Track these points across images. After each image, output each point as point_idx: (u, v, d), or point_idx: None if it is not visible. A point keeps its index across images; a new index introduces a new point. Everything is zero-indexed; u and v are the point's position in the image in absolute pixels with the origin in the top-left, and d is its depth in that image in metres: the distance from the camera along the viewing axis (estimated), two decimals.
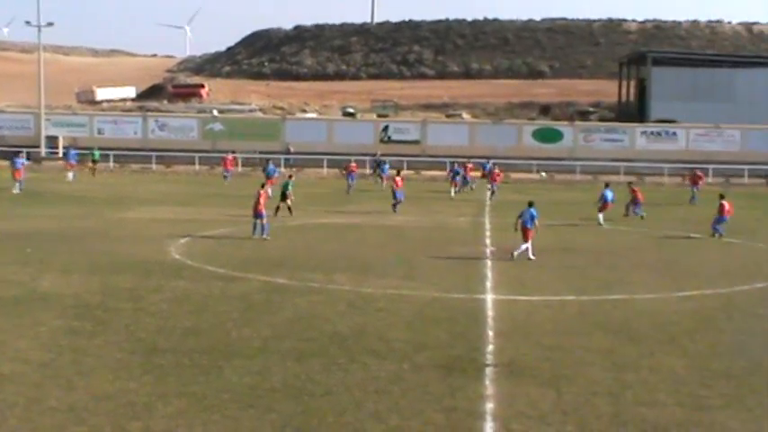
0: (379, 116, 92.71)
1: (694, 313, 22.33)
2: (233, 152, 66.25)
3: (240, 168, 69.38)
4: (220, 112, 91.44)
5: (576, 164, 69.11)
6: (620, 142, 74.50)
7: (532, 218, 30.33)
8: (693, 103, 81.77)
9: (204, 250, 30.83)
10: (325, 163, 68.97)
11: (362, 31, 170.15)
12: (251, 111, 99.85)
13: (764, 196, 59.67)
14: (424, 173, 69.93)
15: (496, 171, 55.16)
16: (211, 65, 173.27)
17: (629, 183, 48.47)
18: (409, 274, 27.09)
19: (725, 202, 36.12)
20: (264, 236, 33.09)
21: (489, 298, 23.69)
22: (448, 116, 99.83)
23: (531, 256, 29.87)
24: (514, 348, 18.43)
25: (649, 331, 20.23)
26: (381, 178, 55.75)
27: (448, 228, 39.06)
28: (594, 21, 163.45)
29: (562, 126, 78.92)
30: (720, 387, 16.17)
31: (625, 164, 69.46)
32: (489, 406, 14.88)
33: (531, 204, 30.86)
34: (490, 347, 18.51)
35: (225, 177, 60.62)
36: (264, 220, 33.45)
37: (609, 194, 40.89)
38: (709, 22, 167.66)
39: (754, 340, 19.63)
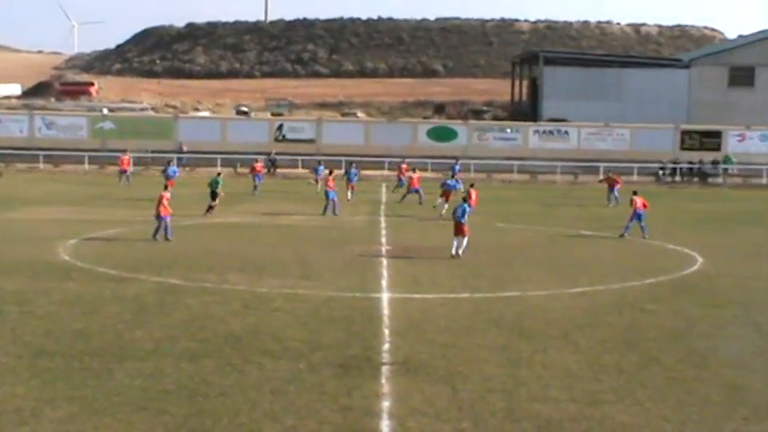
0: (274, 115, 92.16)
1: (586, 309, 22.69)
2: (125, 151, 64.89)
3: (132, 168, 68.10)
4: (111, 110, 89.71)
5: (470, 162, 69.74)
6: (514, 141, 75.45)
7: (464, 213, 30.91)
8: (584, 103, 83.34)
9: (95, 251, 30.15)
10: (219, 162, 68.15)
11: (256, 29, 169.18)
12: (142, 109, 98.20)
13: (654, 194, 60.92)
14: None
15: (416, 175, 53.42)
16: (101, 62, 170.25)
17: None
18: (305, 273, 26.94)
19: (636, 198, 36.54)
20: (169, 237, 32.46)
21: (385, 296, 23.70)
22: (343, 115, 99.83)
23: (455, 252, 30.23)
24: (410, 346, 18.46)
25: (542, 327, 20.48)
26: (316, 181, 53.81)
27: (344, 227, 39.00)
28: (487, 21, 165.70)
29: (456, 125, 79.54)
30: (611, 381, 16.44)
31: (518, 162, 70.37)
32: (385, 404, 14.86)
33: (465, 200, 31.72)
34: (386, 346, 18.51)
35: (121, 178, 58.61)
36: (168, 222, 32.78)
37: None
38: (599, 22, 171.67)
39: (644, 335, 20.02)
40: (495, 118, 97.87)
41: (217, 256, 29.48)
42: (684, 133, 75.35)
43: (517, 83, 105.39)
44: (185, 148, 72.21)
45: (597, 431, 13.98)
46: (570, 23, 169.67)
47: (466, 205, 31.45)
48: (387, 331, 19.76)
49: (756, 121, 78.88)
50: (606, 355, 18.26)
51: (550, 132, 75.79)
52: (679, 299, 24.23)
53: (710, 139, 74.89)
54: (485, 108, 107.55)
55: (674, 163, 71.05)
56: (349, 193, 49.35)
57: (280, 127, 77.62)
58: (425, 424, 14.01)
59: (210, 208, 40.45)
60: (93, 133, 76.63)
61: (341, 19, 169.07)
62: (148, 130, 76.68)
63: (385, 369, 16.86)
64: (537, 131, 76.02)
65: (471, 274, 27.34)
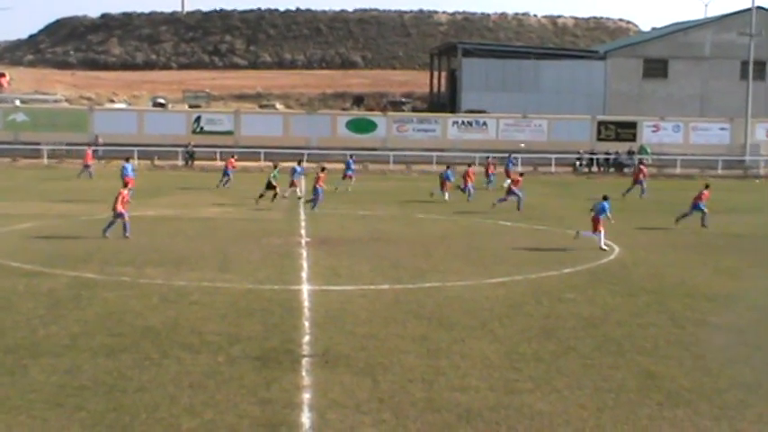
0: (191, 107, 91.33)
1: (504, 299, 22.87)
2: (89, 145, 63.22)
3: (46, 161, 66.96)
4: (23, 102, 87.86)
5: (389, 154, 69.87)
6: (433, 132, 75.79)
7: (603, 210, 32.09)
8: (503, 94, 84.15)
9: (8, 246, 29.49)
10: (136, 154, 67.23)
11: (172, 20, 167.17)
12: (56, 101, 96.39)
13: (571, 184, 61.96)
14: (237, 164, 68.99)
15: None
16: (11, 53, 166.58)
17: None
18: (224, 266, 26.71)
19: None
20: (127, 234, 31.64)
21: (305, 288, 23.61)
22: (261, 107, 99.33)
23: (604, 246, 31.03)
24: (330, 338, 18.41)
25: (462, 318, 20.59)
26: (293, 183, 49.90)
27: (263, 219, 38.76)
28: (406, 12, 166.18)
29: (375, 116, 79.67)
30: (530, 370, 16.60)
31: (437, 153, 70.72)
32: (305, 396, 14.79)
33: (605, 198, 32.87)
34: (306, 338, 18.43)
35: (82, 171, 55.97)
36: (126, 219, 31.99)
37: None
38: (516, 14, 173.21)
39: (562, 324, 20.25)
40: (415, 109, 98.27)
41: (134, 250, 29.06)
42: (601, 124, 76.58)
43: (436, 74, 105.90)
44: (101, 141, 71.13)
45: (515, 419, 14.10)
46: (488, 15, 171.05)
47: (606, 203, 32.50)
48: (307, 323, 19.68)
49: (670, 112, 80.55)
50: (524, 344, 18.42)
51: (469, 123, 76.36)
52: (596, 288, 24.56)
53: (626, 130, 76.25)
54: (404, 100, 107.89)
55: (591, 153, 72.10)
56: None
57: (197, 119, 76.98)
58: (346, 416, 13.99)
59: (261, 196, 42.87)
60: (4, 125, 75.05)
61: (258, 10, 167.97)
62: (63, 123, 75.40)
63: (305, 361, 16.79)
64: (456, 123, 76.49)
65: (391, 266, 27.37)
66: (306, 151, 68.36)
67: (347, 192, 49.42)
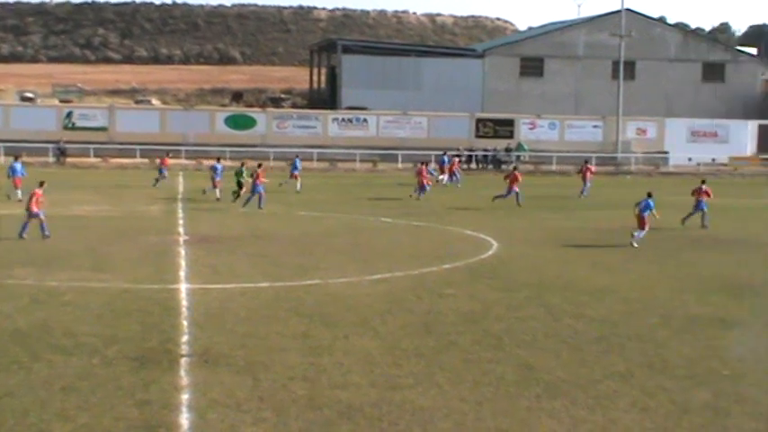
0: (62, 101, 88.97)
1: (386, 295, 22.87)
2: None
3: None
4: None
5: (269, 150, 69.39)
6: (313, 129, 75.55)
7: (648, 207, 32.33)
8: (383, 91, 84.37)
9: None
10: (1, 150, 65.18)
11: (41, 11, 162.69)
12: None
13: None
14: (112, 161, 67.75)
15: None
16: None
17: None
18: (98, 265, 26.01)
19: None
20: (46, 234, 30.35)
21: (183, 287, 23.16)
22: (137, 102, 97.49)
23: (635, 244, 31.57)
24: (209, 337, 18.08)
25: (343, 314, 20.50)
26: (215, 185, 47.74)
27: (140, 217, 37.99)
28: (285, 8, 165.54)
29: (255, 113, 79.03)
30: (411, 366, 16.60)
31: (318, 150, 70.52)
32: (185, 397, 14.47)
33: (649, 195, 32.79)
34: (185, 338, 18.06)
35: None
36: (42, 218, 30.67)
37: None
38: (396, 12, 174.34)
39: (442, 319, 20.33)
40: (295, 106, 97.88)
41: (0, 250, 28.08)
42: (479, 121, 77.56)
43: (316, 71, 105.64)
44: None
45: (397, 415, 14.06)
46: (367, 12, 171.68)
47: (650, 200, 32.62)
48: (185, 323, 19.29)
49: (546, 109, 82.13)
50: (406, 339, 18.43)
51: (349, 120, 76.41)
52: (475, 283, 24.76)
53: (504, 128, 77.40)
54: (283, 96, 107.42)
55: (470, 150, 72.92)
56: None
57: (69, 114, 75.06)
58: (226, 415, 13.73)
59: (236, 194, 43.16)
60: None
61: (133, 3, 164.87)
62: None
63: (184, 361, 16.44)
64: (336, 119, 76.43)
65: (271, 263, 27.12)
66: (183, 148, 67.37)
67: (297, 192, 48.62)
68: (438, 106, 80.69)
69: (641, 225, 32.42)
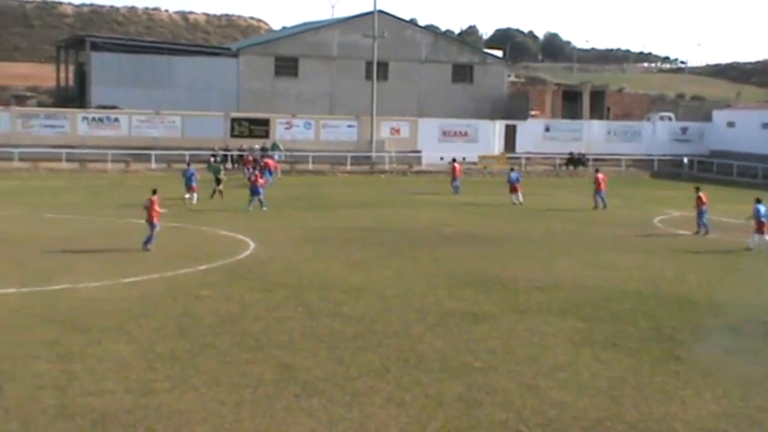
0: None
1: (140, 298, 22.41)
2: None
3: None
4: None
5: (14, 151, 66.27)
6: (62, 128, 72.76)
7: (758, 212, 33.54)
8: (136, 90, 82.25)
9: None
10: None
11: None
12: None
13: (205, 180, 61.76)
14: None
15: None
16: None
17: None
18: None
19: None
20: None
21: None
22: None
23: (752, 247, 33.32)
24: None
25: (96, 319, 19.93)
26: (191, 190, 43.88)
27: None
28: (28, 2, 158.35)
29: None
30: (167, 370, 16.35)
31: (67, 150, 68.01)
32: None
33: (759, 201, 33.97)
34: None
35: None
36: None
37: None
38: (147, 9, 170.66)
39: (199, 321, 20.14)
40: (41, 104, 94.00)
41: None
42: (234, 121, 77.03)
43: (63, 68, 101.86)
44: None
45: (153, 419, 13.83)
46: (117, 9, 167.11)
47: (761, 206, 33.23)
48: None
49: (301, 109, 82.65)
50: (161, 343, 18.13)
51: (100, 120, 74.00)
52: (232, 284, 24.66)
53: (259, 127, 77.21)
54: (28, 94, 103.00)
55: (226, 150, 72.39)
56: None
57: None
58: None
59: (216, 192, 45.36)
60: None
61: None
62: None
63: None
64: (86, 118, 73.92)
65: (17, 268, 25.99)
66: None
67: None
68: (193, 105, 79.57)
69: (761, 230, 33.56)
